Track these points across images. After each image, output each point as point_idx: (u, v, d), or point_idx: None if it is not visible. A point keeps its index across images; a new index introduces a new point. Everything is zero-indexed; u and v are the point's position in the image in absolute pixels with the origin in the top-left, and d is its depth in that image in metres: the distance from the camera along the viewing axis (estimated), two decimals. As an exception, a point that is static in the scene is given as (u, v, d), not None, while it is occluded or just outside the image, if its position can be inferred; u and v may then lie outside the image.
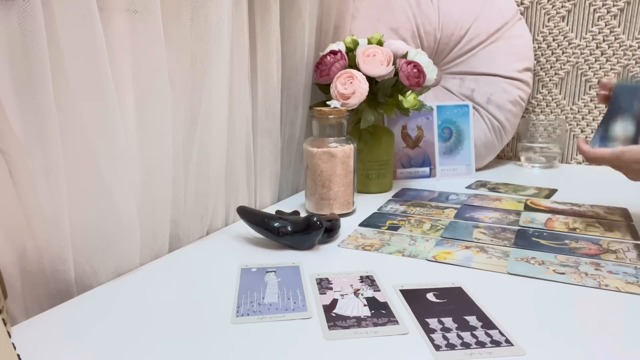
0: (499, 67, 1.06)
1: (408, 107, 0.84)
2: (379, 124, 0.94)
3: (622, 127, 0.65)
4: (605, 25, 1.09)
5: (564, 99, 1.16)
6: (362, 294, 0.50)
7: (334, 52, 0.84)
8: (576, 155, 1.17)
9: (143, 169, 0.59)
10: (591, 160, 0.66)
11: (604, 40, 1.09)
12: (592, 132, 1.14)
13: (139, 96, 0.56)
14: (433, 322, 0.45)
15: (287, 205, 0.84)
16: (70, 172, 0.50)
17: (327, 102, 0.78)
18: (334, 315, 0.46)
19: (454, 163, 1.03)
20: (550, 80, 1.16)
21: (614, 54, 1.09)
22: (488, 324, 0.44)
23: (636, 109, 0.65)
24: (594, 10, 1.09)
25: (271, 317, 0.46)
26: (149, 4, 0.54)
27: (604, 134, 0.67)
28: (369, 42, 0.87)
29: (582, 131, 1.15)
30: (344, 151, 0.74)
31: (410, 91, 0.85)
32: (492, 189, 0.93)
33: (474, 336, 0.42)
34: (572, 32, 1.12)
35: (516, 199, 0.86)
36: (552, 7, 1.12)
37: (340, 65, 0.84)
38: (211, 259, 0.61)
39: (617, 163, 0.64)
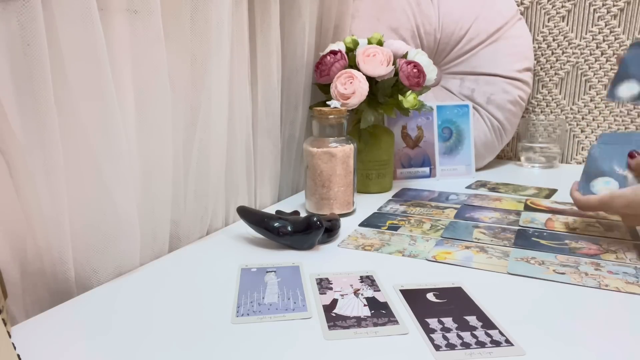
0: (499, 67, 1.06)
1: (408, 107, 0.84)
2: (379, 124, 0.94)
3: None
4: (605, 25, 1.09)
5: (564, 99, 1.16)
6: (362, 294, 0.50)
7: (334, 52, 0.84)
8: (576, 155, 1.17)
9: (143, 169, 0.59)
10: (582, 208, 0.63)
11: (604, 40, 1.09)
12: (592, 132, 1.14)
13: (139, 96, 0.56)
14: (433, 322, 0.45)
15: (287, 205, 0.84)
16: (70, 172, 0.50)
17: (327, 102, 0.78)
18: (334, 315, 0.46)
19: (454, 163, 1.03)
20: (550, 80, 1.16)
21: (614, 54, 1.09)
22: (488, 324, 0.44)
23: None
24: (594, 10, 1.09)
25: (271, 317, 0.46)
26: (149, 4, 0.54)
27: (589, 178, 0.64)
28: (369, 42, 0.87)
29: (582, 131, 1.15)
30: (344, 151, 0.74)
31: (410, 91, 0.85)
32: (492, 189, 0.93)
33: (474, 336, 0.42)
34: (572, 32, 1.12)
35: (516, 199, 0.86)
36: (552, 7, 1.12)
37: (340, 65, 0.84)
38: (211, 259, 0.61)
39: (607, 210, 0.61)
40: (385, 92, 0.85)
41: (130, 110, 0.56)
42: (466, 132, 1.03)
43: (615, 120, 1.12)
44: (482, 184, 0.97)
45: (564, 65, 1.14)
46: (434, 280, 0.54)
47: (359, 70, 0.83)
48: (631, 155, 0.62)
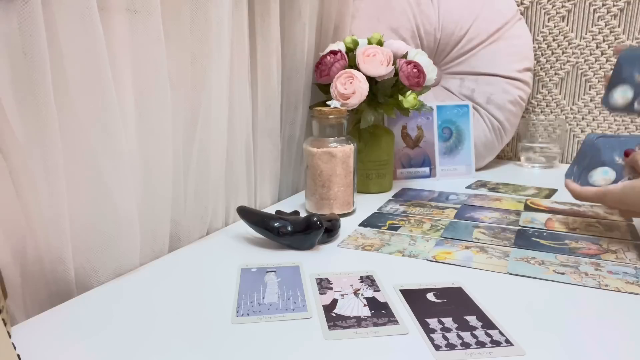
0: (499, 67, 1.06)
1: (408, 107, 0.84)
2: (379, 124, 0.94)
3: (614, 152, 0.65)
4: (605, 25, 1.09)
5: (564, 99, 1.16)
6: (362, 294, 0.50)
7: (334, 52, 0.84)
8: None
9: (143, 169, 0.59)
10: (579, 199, 0.66)
11: (604, 40, 1.09)
12: (592, 132, 1.14)
13: (139, 96, 0.56)
14: (433, 322, 0.45)
15: (287, 205, 0.84)
16: (70, 172, 0.50)
17: (327, 102, 0.78)
18: (334, 315, 0.46)
19: (454, 163, 1.03)
20: (550, 80, 1.16)
21: (614, 54, 1.09)
22: (488, 324, 0.44)
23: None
24: (594, 10, 1.09)
25: (271, 317, 0.46)
26: (149, 4, 0.54)
27: (585, 171, 0.66)
28: (369, 42, 0.87)
29: (582, 131, 1.15)
30: (344, 151, 0.74)
31: (410, 91, 0.85)
32: (492, 189, 0.93)
33: (474, 336, 0.42)
34: (572, 32, 1.12)
35: (516, 199, 0.86)
36: (552, 7, 1.12)
37: (340, 65, 0.84)
38: (211, 259, 0.61)
39: (601, 203, 0.64)
40: (385, 92, 0.85)
41: (130, 110, 0.56)
42: (466, 132, 1.03)
43: (615, 120, 1.12)
44: (482, 184, 0.97)
45: (564, 65, 1.14)
46: (434, 280, 0.54)
47: (359, 70, 0.83)
48: (626, 154, 0.64)
